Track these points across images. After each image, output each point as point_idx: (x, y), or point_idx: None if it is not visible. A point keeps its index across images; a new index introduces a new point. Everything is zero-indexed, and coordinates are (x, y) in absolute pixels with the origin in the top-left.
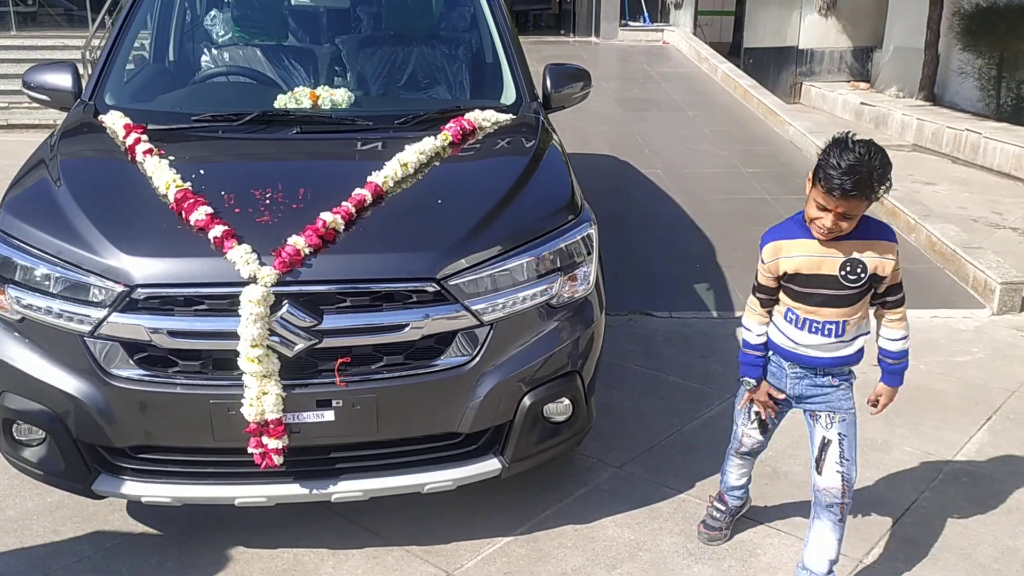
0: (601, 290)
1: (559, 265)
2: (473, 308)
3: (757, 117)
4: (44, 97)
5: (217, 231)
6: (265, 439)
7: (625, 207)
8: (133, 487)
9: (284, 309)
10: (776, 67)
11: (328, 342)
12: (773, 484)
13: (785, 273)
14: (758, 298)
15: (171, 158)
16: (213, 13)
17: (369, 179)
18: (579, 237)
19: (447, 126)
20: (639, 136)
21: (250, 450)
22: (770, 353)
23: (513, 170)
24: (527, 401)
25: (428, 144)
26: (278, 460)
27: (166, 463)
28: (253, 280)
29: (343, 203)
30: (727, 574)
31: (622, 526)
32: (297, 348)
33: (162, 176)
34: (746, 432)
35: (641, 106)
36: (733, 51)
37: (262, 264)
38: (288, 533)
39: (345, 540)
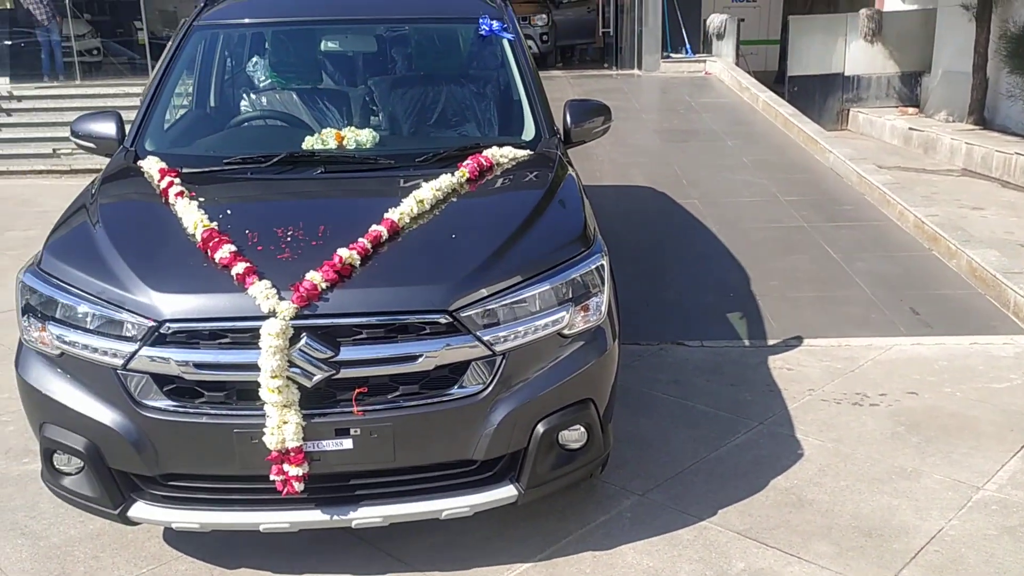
0: (614, 319)
1: (571, 296)
2: (485, 338)
3: (797, 145)
4: (91, 145)
5: (239, 268)
6: (286, 467)
7: (659, 237)
8: (164, 513)
9: (303, 341)
10: (822, 94)
11: (345, 373)
12: (797, 512)
13: None
14: None
15: (201, 199)
16: (255, 60)
17: (386, 216)
18: (590, 268)
19: (464, 163)
20: (677, 166)
21: (272, 477)
22: None
23: (526, 204)
24: (540, 428)
25: (445, 181)
26: (299, 487)
27: (195, 490)
28: (272, 314)
29: (359, 239)
30: None
31: (641, 553)
32: (316, 379)
33: (191, 217)
34: None
35: (680, 137)
36: (778, 80)
37: (281, 299)
38: (314, 560)
39: (369, 566)
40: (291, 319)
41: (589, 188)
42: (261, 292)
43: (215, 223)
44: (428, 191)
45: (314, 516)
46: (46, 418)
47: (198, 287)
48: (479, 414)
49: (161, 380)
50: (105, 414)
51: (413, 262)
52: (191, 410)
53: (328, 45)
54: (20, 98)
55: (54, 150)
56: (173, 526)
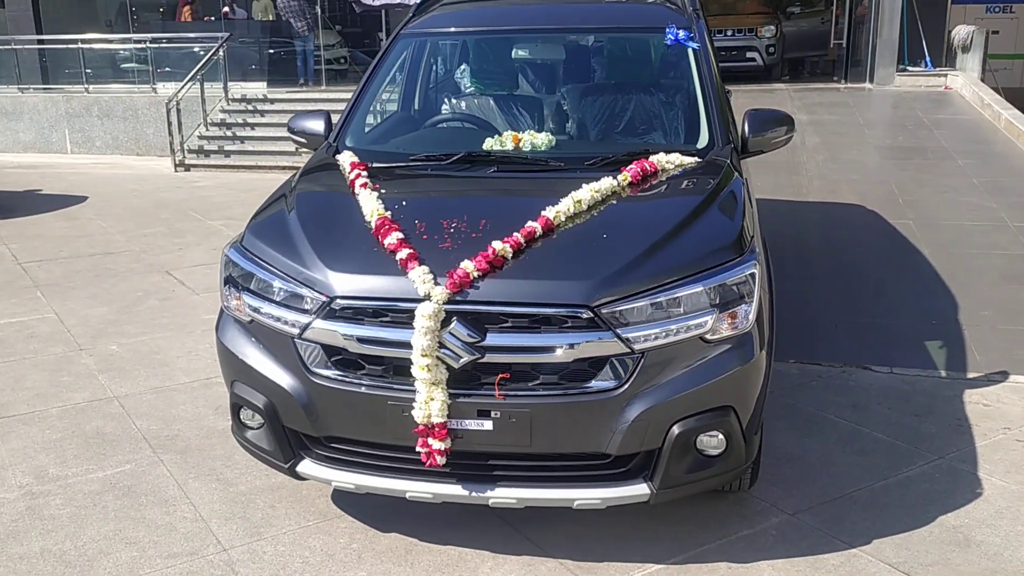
0: (764, 329)
1: (716, 301)
2: (624, 336)
3: None
4: (302, 140)
5: (403, 253)
6: (430, 440)
7: (861, 257)
8: (326, 472)
9: (453, 325)
10: None
11: (490, 358)
12: (961, 552)
13: None
14: None
15: (382, 191)
16: (451, 66)
17: (543, 213)
18: (740, 276)
19: (628, 167)
20: (895, 185)
21: (417, 449)
22: None
23: (682, 209)
24: (676, 430)
25: (605, 184)
26: (440, 460)
27: (353, 454)
28: (427, 297)
29: (514, 233)
30: None
31: (780, 571)
32: (462, 361)
33: (369, 206)
34: None
35: (903, 154)
36: None
37: (436, 284)
38: (458, 534)
39: (507, 546)
40: (444, 303)
41: (791, 203)
42: (419, 277)
43: (389, 212)
44: (587, 192)
45: (455, 490)
46: (236, 377)
47: (366, 268)
48: (614, 409)
49: (329, 351)
50: (282, 377)
51: (561, 258)
52: (353, 380)
53: (519, 53)
54: (273, 100)
55: (296, 148)
56: (333, 484)
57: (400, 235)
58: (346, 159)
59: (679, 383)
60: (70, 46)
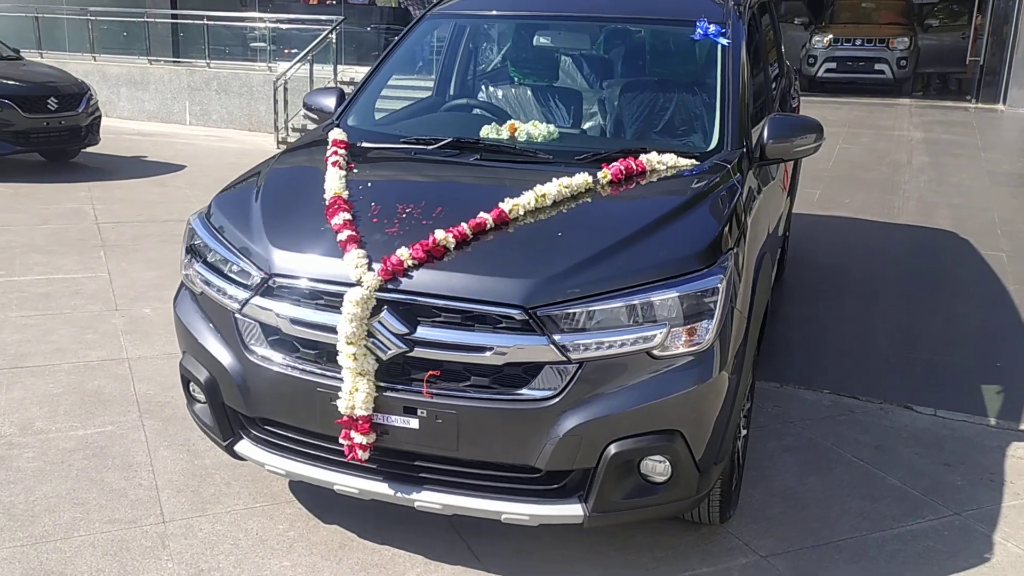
0: (729, 349)
1: (670, 314)
2: (561, 343)
3: None
4: (314, 116)
5: (343, 235)
6: (353, 433)
7: (932, 286)
8: (260, 455)
9: (383, 314)
10: None
11: (419, 352)
12: None
13: None
14: None
15: (355, 171)
16: (484, 52)
17: (499, 205)
18: (700, 289)
19: (611, 165)
20: (997, 213)
21: (341, 441)
22: None
23: (652, 213)
24: (612, 450)
25: (578, 180)
26: (363, 455)
27: (286, 439)
28: (359, 283)
29: (461, 224)
30: None
31: None
32: (390, 353)
33: (331, 185)
34: None
35: (1018, 182)
36: None
37: (370, 269)
38: (399, 534)
39: (445, 554)
40: (375, 290)
41: (877, 224)
42: (353, 260)
43: (347, 192)
44: (553, 187)
45: (381, 488)
46: (186, 349)
47: (306, 247)
48: (546, 421)
49: (267, 330)
50: (223, 353)
51: (505, 253)
52: (286, 362)
53: (541, 41)
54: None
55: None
56: (266, 468)
57: (348, 216)
58: (336, 136)
59: (619, 400)
60: (196, 21)
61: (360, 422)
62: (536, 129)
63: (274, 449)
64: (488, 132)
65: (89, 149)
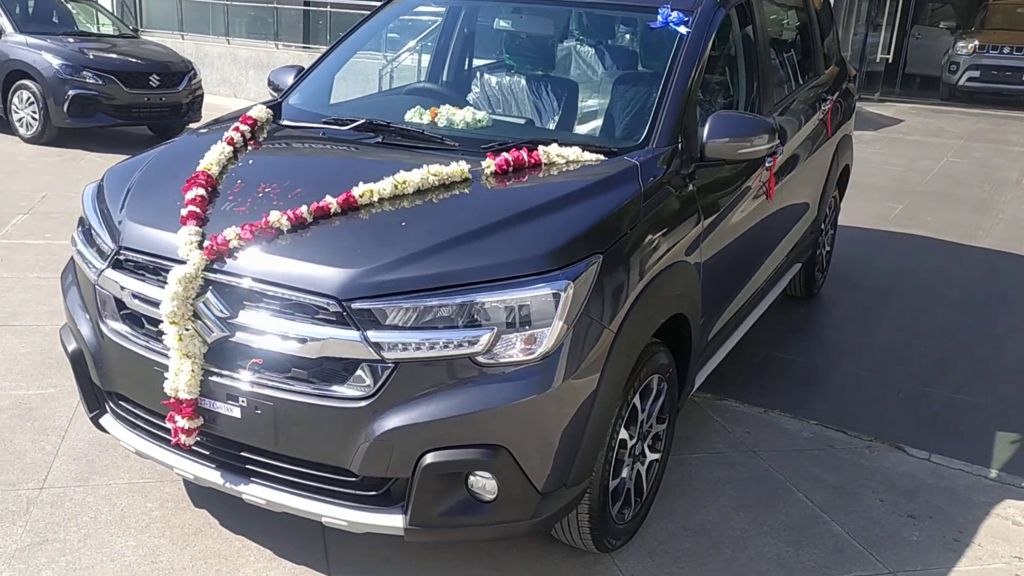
0: (578, 363)
1: (498, 319)
2: (375, 341)
3: None
4: (275, 94)
5: (185, 211)
6: (177, 416)
7: (981, 320)
8: (117, 430)
9: (207, 295)
10: None
11: (240, 337)
12: None
13: None
14: None
15: (249, 148)
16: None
17: (351, 190)
18: (540, 294)
19: (499, 156)
20: None
21: (167, 423)
22: None
23: (514, 208)
24: (428, 460)
25: (451, 169)
26: (186, 440)
27: (136, 416)
28: (186, 260)
29: (301, 206)
30: None
31: None
32: (213, 336)
33: (205, 160)
34: None
35: None
36: None
37: (200, 248)
38: (263, 527)
39: (297, 553)
40: (201, 270)
41: (950, 245)
42: (184, 237)
43: (218, 168)
44: (417, 174)
45: (213, 476)
46: (67, 321)
47: (152, 221)
48: (359, 423)
49: (118, 303)
50: (84, 325)
51: (335, 240)
52: (132, 338)
53: (500, 24)
54: None
55: None
56: (121, 444)
57: (202, 192)
58: (248, 113)
59: (435, 407)
60: (321, 8)
61: (184, 405)
62: (458, 115)
63: (127, 426)
64: (412, 116)
65: (192, 125)
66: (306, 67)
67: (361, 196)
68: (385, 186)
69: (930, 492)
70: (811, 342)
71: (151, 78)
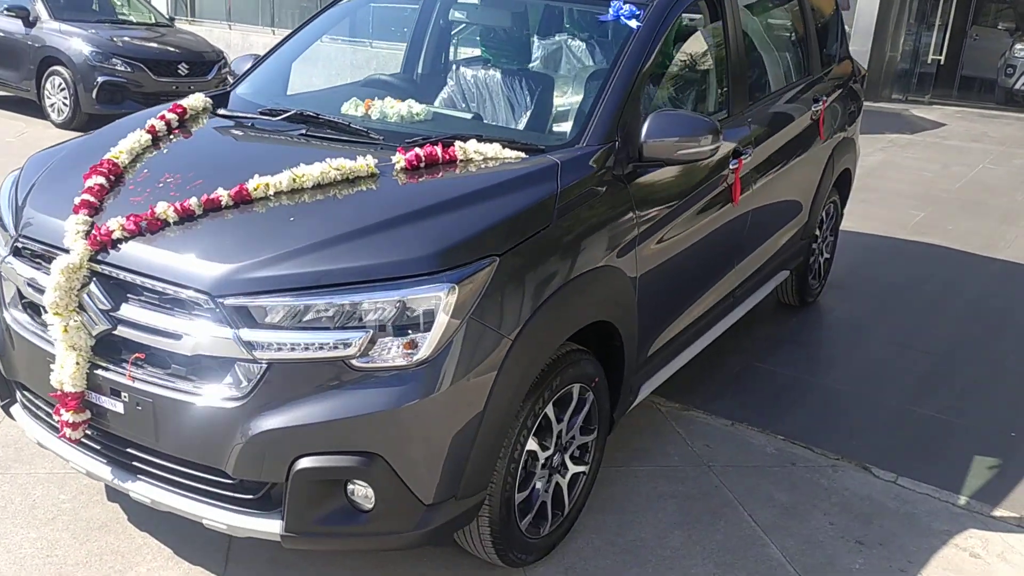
0: (466, 370)
1: (372, 321)
2: (246, 339)
3: None
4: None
5: (79, 199)
6: (62, 409)
7: (985, 336)
8: (23, 419)
9: (90, 286)
10: None
11: (123, 331)
12: None
13: None
14: None
15: (171, 138)
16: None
17: (247, 182)
18: (421, 296)
19: (410, 151)
20: None
21: (54, 416)
22: None
23: (412, 205)
24: (301, 465)
25: (356, 163)
26: (72, 434)
27: (38, 407)
28: (70, 250)
29: (191, 198)
30: None
31: None
32: (96, 329)
33: (116, 148)
34: None
35: None
36: None
37: (86, 237)
38: (172, 523)
39: (196, 553)
40: (86, 260)
41: (967, 256)
42: (71, 226)
43: (128, 156)
44: (316, 168)
45: (103, 472)
46: None
47: (49, 209)
48: (233, 424)
49: (19, 291)
50: None
51: (217, 235)
52: (29, 327)
53: (455, 15)
54: None
55: None
56: (26, 433)
57: (101, 180)
58: (190, 102)
59: (307, 411)
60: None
61: (69, 399)
62: (394, 108)
63: (32, 416)
64: (348, 108)
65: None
66: (256, 56)
67: (255, 189)
68: (282, 179)
69: (888, 517)
70: (797, 353)
71: (180, 66)
